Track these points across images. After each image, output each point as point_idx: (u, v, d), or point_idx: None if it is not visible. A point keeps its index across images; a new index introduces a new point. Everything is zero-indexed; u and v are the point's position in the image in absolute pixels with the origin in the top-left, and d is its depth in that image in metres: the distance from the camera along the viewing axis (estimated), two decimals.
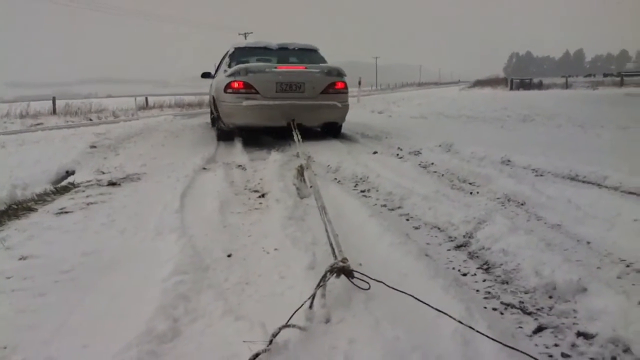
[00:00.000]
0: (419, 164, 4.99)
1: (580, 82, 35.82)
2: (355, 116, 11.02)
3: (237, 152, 6.10)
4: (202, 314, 1.83)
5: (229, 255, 2.50)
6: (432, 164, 4.94)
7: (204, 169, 4.97)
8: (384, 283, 1.85)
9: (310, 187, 3.48)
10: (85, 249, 2.64)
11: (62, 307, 1.95)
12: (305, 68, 6.63)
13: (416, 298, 1.73)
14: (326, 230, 2.48)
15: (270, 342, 1.52)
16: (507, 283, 2.10)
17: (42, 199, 3.89)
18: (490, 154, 5.17)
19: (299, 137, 5.44)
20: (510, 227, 2.61)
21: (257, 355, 1.46)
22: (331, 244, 2.28)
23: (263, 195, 3.80)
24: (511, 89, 33.87)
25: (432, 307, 1.67)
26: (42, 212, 3.50)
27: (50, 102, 19.56)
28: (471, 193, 3.73)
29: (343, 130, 7.53)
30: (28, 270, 2.36)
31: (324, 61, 7.40)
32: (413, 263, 2.19)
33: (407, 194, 3.56)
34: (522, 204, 3.32)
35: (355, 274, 1.93)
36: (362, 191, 3.95)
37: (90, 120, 16.48)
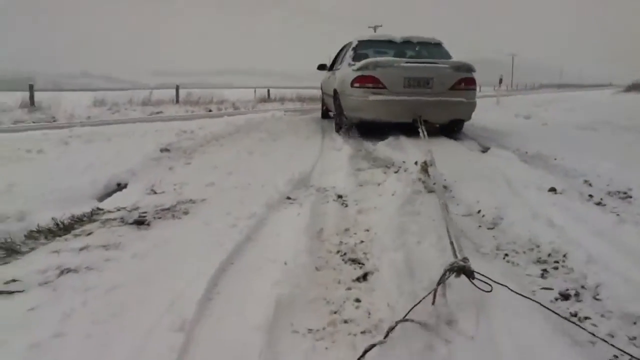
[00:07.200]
0: None
1: None
2: (497, 123, 8.79)
3: (341, 167, 4.43)
4: None
5: None
6: None
7: (288, 198, 3.39)
8: (507, 287, 1.73)
9: (434, 183, 3.17)
10: None
11: None
12: (435, 63, 6.32)
13: (546, 307, 1.65)
14: (447, 228, 2.20)
15: (387, 334, 1.50)
16: None
17: (25, 243, 2.54)
18: None
19: (425, 133, 5.00)
20: None
21: (372, 346, 1.44)
22: (451, 242, 2.06)
23: (365, 277, 2.10)
24: None
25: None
26: None
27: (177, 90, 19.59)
28: None
29: (493, 145, 5.79)
30: None
31: (448, 56, 7.05)
32: None
33: None
34: None
35: (476, 275, 1.71)
36: (571, 312, 1.96)
37: (210, 111, 16.11)
